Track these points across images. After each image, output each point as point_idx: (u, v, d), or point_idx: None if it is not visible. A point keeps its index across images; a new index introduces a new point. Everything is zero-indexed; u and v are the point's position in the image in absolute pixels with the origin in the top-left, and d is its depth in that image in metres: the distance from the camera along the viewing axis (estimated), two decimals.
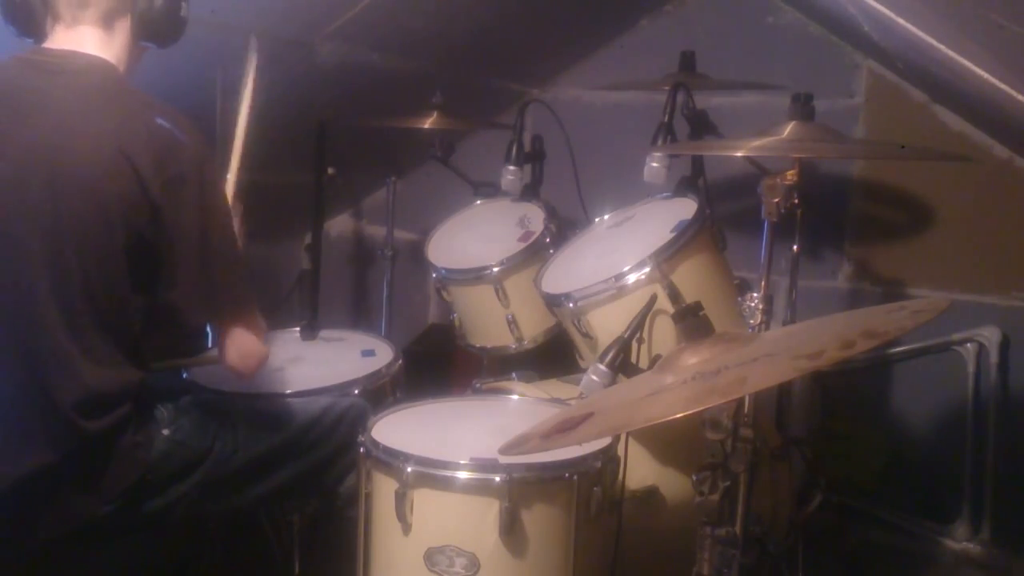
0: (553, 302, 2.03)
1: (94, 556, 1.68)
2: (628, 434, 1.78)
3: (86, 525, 1.61)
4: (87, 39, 1.61)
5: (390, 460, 1.62)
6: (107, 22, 1.62)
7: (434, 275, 2.43)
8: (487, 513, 1.55)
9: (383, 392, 2.10)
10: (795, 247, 1.99)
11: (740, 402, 1.47)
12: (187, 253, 1.58)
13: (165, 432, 1.66)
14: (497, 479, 1.55)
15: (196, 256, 1.59)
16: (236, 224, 1.78)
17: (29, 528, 1.60)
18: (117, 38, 1.64)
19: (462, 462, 1.59)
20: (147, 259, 1.57)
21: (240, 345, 1.68)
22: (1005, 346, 2.70)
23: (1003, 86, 2.07)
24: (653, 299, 1.85)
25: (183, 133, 1.57)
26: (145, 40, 1.68)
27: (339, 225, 3.62)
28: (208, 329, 2.44)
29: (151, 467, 1.63)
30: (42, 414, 1.56)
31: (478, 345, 2.45)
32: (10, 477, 1.57)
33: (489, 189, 2.66)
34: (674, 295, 1.82)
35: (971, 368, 2.73)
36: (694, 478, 1.44)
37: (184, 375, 2.09)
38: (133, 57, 1.68)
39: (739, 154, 1.85)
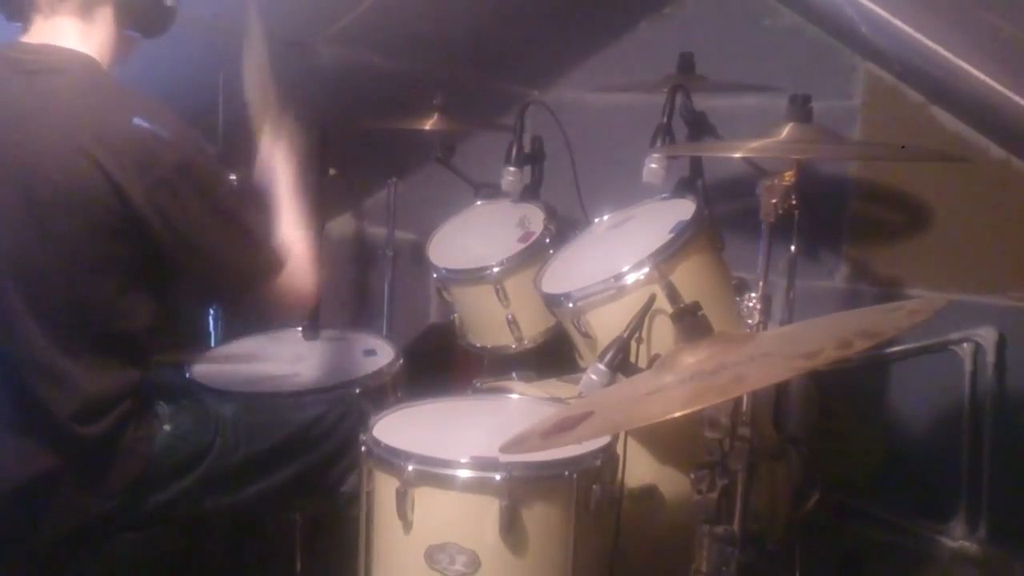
0: (553, 302, 2.04)
1: (96, 553, 1.68)
2: (627, 433, 1.79)
3: (89, 522, 1.62)
4: (66, 30, 1.56)
5: (391, 459, 1.62)
6: (86, 12, 1.56)
7: (435, 275, 2.44)
8: (487, 511, 1.56)
9: (384, 391, 2.11)
10: (793, 247, 2.00)
11: (738, 401, 1.48)
12: (196, 245, 1.55)
13: (166, 428, 1.65)
14: (497, 477, 1.55)
15: (205, 246, 1.56)
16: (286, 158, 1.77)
17: (32, 528, 1.61)
18: (98, 29, 1.58)
19: (462, 461, 1.60)
20: (150, 262, 1.55)
21: (280, 294, 1.66)
22: (1002, 346, 2.71)
23: (1000, 87, 2.09)
24: (652, 299, 1.86)
25: (166, 130, 1.51)
26: (129, 29, 1.62)
27: (340, 226, 3.63)
28: (209, 328, 2.47)
29: (152, 462, 1.63)
30: (39, 427, 1.56)
31: (478, 345, 2.45)
32: (12, 482, 1.58)
33: (489, 190, 2.67)
34: (673, 295, 1.83)
35: (968, 368, 2.74)
36: (692, 476, 1.46)
37: (187, 375, 2.10)
38: (120, 48, 1.63)
39: (737, 155, 1.86)
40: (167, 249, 1.54)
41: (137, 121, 1.49)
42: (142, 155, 1.48)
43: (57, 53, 1.55)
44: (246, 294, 1.67)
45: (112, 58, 1.62)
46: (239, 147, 1.81)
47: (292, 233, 1.70)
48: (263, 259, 1.63)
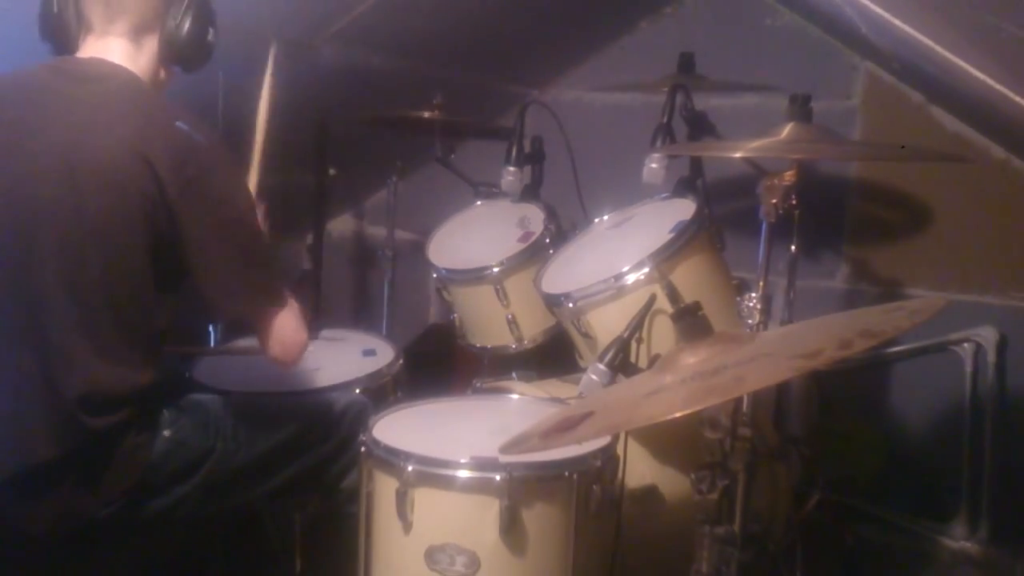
0: (553, 302, 2.04)
1: (97, 558, 1.68)
2: (627, 433, 1.79)
3: (86, 527, 1.62)
4: (114, 50, 1.66)
5: (391, 459, 1.62)
6: (135, 36, 1.67)
7: (435, 275, 2.44)
8: (487, 511, 1.56)
9: (384, 391, 2.11)
10: (793, 247, 2.00)
11: (738, 401, 1.48)
12: (215, 249, 1.60)
13: (166, 433, 1.66)
14: (497, 478, 1.55)
15: (225, 251, 1.61)
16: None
17: (24, 524, 1.61)
18: (144, 54, 1.68)
19: (462, 461, 1.60)
20: (171, 258, 1.59)
21: (281, 336, 1.68)
22: (1002, 346, 2.71)
23: (999, 87, 2.09)
24: (652, 299, 1.86)
25: (201, 135, 1.61)
26: (171, 62, 1.72)
27: (340, 225, 3.63)
28: (209, 328, 2.47)
29: (151, 468, 1.64)
30: (48, 408, 1.57)
31: (478, 345, 2.45)
32: (9, 470, 1.58)
33: (489, 190, 2.67)
34: (673, 295, 1.83)
35: (968, 368, 2.74)
36: (693, 477, 1.45)
37: (187, 374, 2.10)
38: (161, 79, 1.73)
39: (737, 155, 1.85)
40: (185, 248, 1.58)
41: (180, 124, 1.59)
42: (182, 153, 1.56)
43: (105, 65, 1.64)
44: (245, 312, 1.70)
45: (151, 85, 1.70)
46: (238, 146, 1.83)
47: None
48: (270, 283, 1.68)
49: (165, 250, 1.58)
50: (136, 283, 1.58)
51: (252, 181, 1.96)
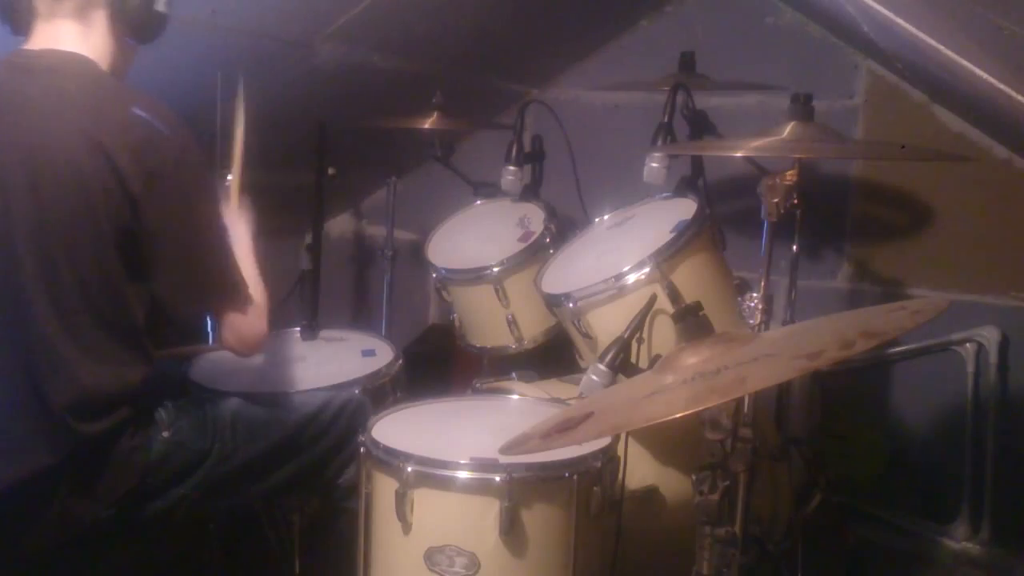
0: (553, 302, 2.03)
1: (95, 560, 1.67)
2: (628, 434, 1.78)
3: (85, 530, 1.61)
4: (64, 33, 1.60)
5: (390, 460, 1.62)
6: (82, 15, 1.60)
7: (434, 275, 2.44)
8: (487, 513, 1.56)
9: (383, 392, 2.10)
10: (795, 247, 1.99)
11: (740, 402, 1.47)
12: (172, 244, 1.57)
13: (164, 434, 1.65)
14: (497, 479, 1.55)
15: (181, 246, 1.58)
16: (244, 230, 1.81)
17: (26, 532, 1.60)
18: (95, 32, 1.62)
19: (462, 462, 1.59)
20: (137, 252, 1.56)
21: (236, 329, 1.67)
22: (1004, 346, 2.71)
23: (1002, 86, 2.08)
24: (653, 299, 1.85)
25: (163, 123, 1.55)
26: (125, 35, 1.65)
27: (339, 225, 3.63)
28: (208, 328, 2.46)
29: (150, 470, 1.63)
30: (37, 417, 1.55)
31: (478, 345, 2.45)
32: (7, 480, 1.56)
33: (489, 189, 2.66)
34: (674, 295, 1.82)
35: (970, 368, 2.74)
36: (694, 478, 1.45)
37: (185, 374, 2.08)
38: (119, 55, 1.66)
39: (739, 154, 1.85)
40: (154, 234, 1.55)
41: (136, 110, 1.53)
42: (142, 143, 1.52)
43: (55, 55, 1.59)
44: (207, 308, 1.70)
45: (112, 64, 1.65)
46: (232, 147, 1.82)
47: (251, 283, 1.72)
48: (231, 277, 1.65)
49: (130, 242, 1.54)
50: (107, 278, 1.54)
51: (234, 193, 1.89)
